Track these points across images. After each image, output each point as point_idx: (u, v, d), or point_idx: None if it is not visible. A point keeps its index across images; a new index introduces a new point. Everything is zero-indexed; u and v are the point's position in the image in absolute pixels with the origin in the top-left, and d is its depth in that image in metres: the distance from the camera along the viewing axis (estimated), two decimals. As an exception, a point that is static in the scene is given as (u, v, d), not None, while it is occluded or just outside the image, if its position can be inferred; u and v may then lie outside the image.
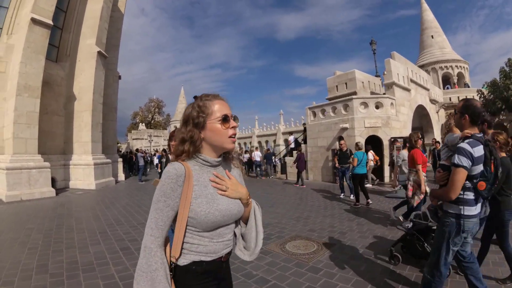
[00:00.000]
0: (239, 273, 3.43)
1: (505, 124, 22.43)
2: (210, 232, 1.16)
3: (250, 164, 17.74)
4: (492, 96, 20.47)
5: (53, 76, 12.81)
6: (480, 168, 2.07)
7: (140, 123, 56.69)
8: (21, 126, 10.18)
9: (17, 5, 11.56)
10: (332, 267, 3.59)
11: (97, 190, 11.84)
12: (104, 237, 5.03)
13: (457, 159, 2.04)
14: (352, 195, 8.42)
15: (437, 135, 19.13)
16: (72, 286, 3.17)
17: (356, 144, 8.32)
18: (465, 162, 2.01)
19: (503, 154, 3.09)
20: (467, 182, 2.08)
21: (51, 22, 11.01)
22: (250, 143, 27.59)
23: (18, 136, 10.08)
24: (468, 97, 23.03)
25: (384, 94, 13.32)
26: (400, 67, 14.22)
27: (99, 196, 10.22)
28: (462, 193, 2.10)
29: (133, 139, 48.32)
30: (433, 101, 19.14)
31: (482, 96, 21.77)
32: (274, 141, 25.81)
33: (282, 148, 22.08)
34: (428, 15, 30.73)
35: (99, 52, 13.79)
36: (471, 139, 2.08)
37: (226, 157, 1.31)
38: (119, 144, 51.02)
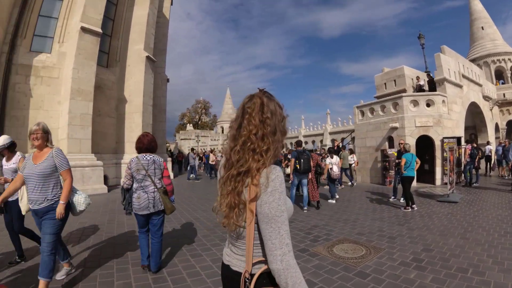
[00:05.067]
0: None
1: None
2: None
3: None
4: None
5: (104, 81, 13.55)
6: None
7: (188, 124, 58.08)
8: (75, 127, 10.89)
9: (66, 15, 12.28)
10: (381, 273, 3.45)
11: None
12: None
13: None
14: (402, 199, 8.03)
15: (491, 134, 17.66)
16: (121, 278, 3.33)
17: (404, 146, 7.89)
18: None
19: None
20: None
21: (100, 30, 11.70)
22: (321, 141, 27.07)
23: (72, 137, 10.79)
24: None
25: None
26: (451, 62, 13.31)
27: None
28: None
29: (181, 139, 49.59)
30: (486, 98, 17.68)
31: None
32: (321, 141, 25.36)
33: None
34: (477, 4, 28.44)
35: (147, 57, 14.45)
36: None
37: None
38: (168, 144, 52.98)
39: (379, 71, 16.12)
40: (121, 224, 5.97)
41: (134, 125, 13.88)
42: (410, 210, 6.90)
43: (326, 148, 15.43)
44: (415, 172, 7.35)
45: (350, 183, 11.86)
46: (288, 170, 8.36)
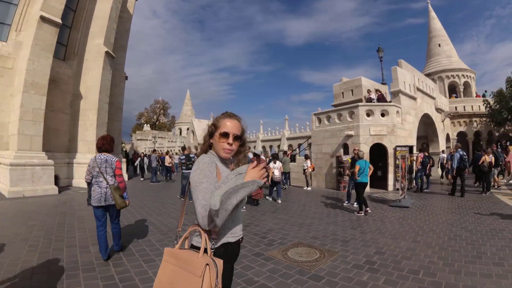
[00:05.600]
0: (240, 279, 3.40)
1: (510, 134, 22.27)
2: (232, 212, 1.37)
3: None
4: (498, 106, 20.32)
5: (60, 74, 12.88)
6: None
7: (145, 124, 57.07)
8: (27, 123, 10.24)
9: (26, 2, 11.64)
10: (335, 275, 3.55)
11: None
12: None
13: None
14: (355, 203, 8.36)
15: (442, 144, 18.96)
16: (72, 286, 3.14)
17: (357, 153, 8.21)
18: None
19: None
20: None
21: (59, 21, 11.10)
22: (255, 147, 27.56)
23: (23, 133, 10.14)
24: (473, 106, 23.05)
25: (390, 102, 13.24)
26: (407, 75, 14.16)
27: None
28: None
29: (137, 139, 48.73)
30: (439, 110, 19.00)
31: (488, 106, 21.64)
32: (278, 146, 25.75)
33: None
34: (436, 23, 30.56)
35: (106, 52, 13.91)
36: None
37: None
38: (123, 144, 51.44)
39: (339, 80, 16.77)
40: (71, 226, 5.72)
41: (89, 123, 13.29)
42: (363, 214, 7.18)
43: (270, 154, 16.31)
44: (368, 178, 7.67)
45: (284, 187, 12.62)
46: None
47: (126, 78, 18.30)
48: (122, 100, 17.89)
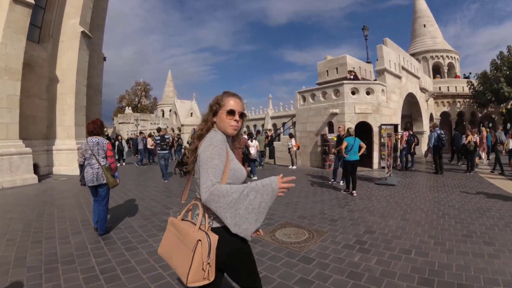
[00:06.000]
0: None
1: (493, 116, 22.81)
2: None
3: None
4: (482, 87, 20.64)
5: (34, 58, 12.23)
6: None
7: (127, 107, 55.87)
8: (2, 110, 9.68)
9: (-4, -18, 10.80)
10: (325, 257, 3.45)
11: (83, 175, 11.47)
12: (86, 226, 4.76)
13: None
14: (341, 182, 8.35)
15: (426, 124, 19.26)
16: (51, 280, 2.95)
17: (347, 129, 7.85)
18: None
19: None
20: None
21: (32, 1, 10.36)
22: (263, 125, 27.17)
23: (-1, 121, 9.61)
24: (457, 87, 23.38)
25: (375, 80, 13.19)
26: (392, 54, 14.08)
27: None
28: None
29: (119, 123, 47.76)
30: (423, 90, 19.17)
31: (472, 87, 21.96)
32: (263, 125, 25.61)
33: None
34: (422, 4, 30.44)
35: (83, 32, 13.17)
36: None
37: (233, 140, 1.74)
38: (105, 128, 50.10)
39: (323, 59, 16.51)
40: (51, 216, 5.44)
41: (67, 108, 12.68)
42: (349, 193, 7.04)
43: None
44: (359, 157, 7.18)
45: (260, 166, 13.17)
46: None
47: (105, 59, 17.46)
48: (101, 82, 17.13)
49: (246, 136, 10.54)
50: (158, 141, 9.62)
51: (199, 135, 1.59)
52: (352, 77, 13.23)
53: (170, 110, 35.06)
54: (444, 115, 23.85)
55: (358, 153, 7.14)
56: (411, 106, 18.14)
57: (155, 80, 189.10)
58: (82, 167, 4.26)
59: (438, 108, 23.68)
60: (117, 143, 15.43)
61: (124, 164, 15.60)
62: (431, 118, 21.79)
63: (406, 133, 11.85)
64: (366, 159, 12.18)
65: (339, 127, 8.74)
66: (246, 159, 9.41)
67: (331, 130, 12.16)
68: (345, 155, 7.11)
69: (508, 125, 23.52)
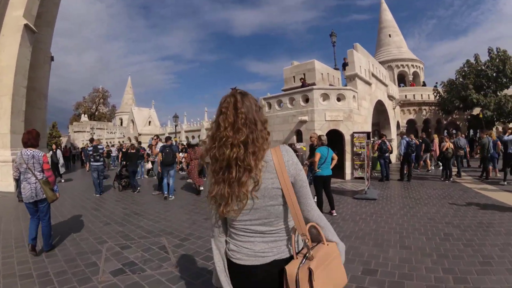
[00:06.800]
0: None
1: (458, 122, 23.48)
2: None
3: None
4: (449, 95, 21.07)
5: None
6: None
7: (82, 115, 52.83)
8: None
9: None
10: None
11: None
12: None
13: None
14: (314, 199, 7.35)
15: (394, 131, 19.15)
16: None
17: (319, 137, 6.52)
18: None
19: None
20: None
21: None
22: (199, 136, 26.06)
23: None
24: (423, 95, 23.82)
25: (345, 86, 12.55)
26: (362, 60, 13.61)
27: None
28: None
29: (75, 131, 45.33)
30: (390, 97, 19.10)
31: (438, 95, 22.42)
32: (199, 136, 24.54)
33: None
34: (387, 15, 31.28)
35: (26, 26, 11.38)
36: None
37: None
38: (60, 138, 46.82)
39: (290, 65, 15.67)
40: None
41: (2, 112, 10.74)
42: (328, 213, 5.90)
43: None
44: (331, 170, 6.13)
45: None
46: None
47: (52, 59, 15.38)
48: (46, 85, 14.99)
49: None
50: (91, 152, 8.96)
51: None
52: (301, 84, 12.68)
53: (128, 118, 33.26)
54: (410, 122, 24.18)
55: (330, 166, 6.10)
56: (379, 113, 17.89)
57: (116, 88, 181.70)
58: (18, 181, 4.03)
59: (404, 115, 23.96)
60: (50, 153, 12.15)
61: (62, 181, 12.45)
62: (398, 125, 21.87)
63: (378, 141, 11.27)
64: (337, 170, 11.41)
65: (311, 136, 7.67)
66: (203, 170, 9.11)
67: (299, 139, 11.19)
68: (317, 170, 5.99)
69: (471, 132, 24.55)
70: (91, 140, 10.22)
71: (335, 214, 5.89)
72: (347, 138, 11.03)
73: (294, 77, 14.16)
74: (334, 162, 6.23)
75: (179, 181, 11.07)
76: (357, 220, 5.47)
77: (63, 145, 30.93)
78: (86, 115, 52.43)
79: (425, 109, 24.21)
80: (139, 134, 24.71)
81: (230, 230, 1.21)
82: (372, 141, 11.14)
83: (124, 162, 10.21)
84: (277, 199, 1.12)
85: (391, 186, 9.43)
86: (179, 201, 7.85)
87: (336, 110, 10.99)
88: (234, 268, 1.16)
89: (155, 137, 10.50)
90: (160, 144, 14.97)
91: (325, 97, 11.12)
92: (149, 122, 25.91)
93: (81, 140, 38.95)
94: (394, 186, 9.52)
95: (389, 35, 30.00)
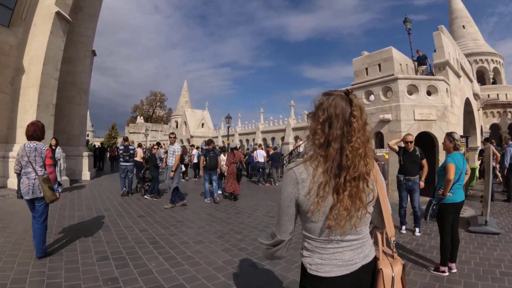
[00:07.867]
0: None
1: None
2: None
3: (249, 167, 14.44)
4: None
5: (1, 44, 10.10)
6: None
7: (139, 117, 55.50)
8: None
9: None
10: None
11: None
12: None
13: None
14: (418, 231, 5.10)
15: (479, 137, 15.60)
16: None
17: (452, 136, 3.74)
18: None
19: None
20: None
21: None
22: (253, 140, 24.30)
23: None
24: (508, 94, 19.55)
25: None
26: (450, 46, 10.74)
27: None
28: None
29: (130, 132, 47.71)
30: (476, 96, 15.60)
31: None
32: (282, 138, 22.39)
33: (291, 147, 18.69)
34: (457, 3, 27.09)
35: (58, 13, 10.58)
36: None
37: None
38: (116, 138, 49.76)
39: (342, 76, 14.34)
40: None
41: (29, 104, 9.98)
42: (445, 272, 3.45)
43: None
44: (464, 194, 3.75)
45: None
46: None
47: (94, 53, 14.89)
48: (88, 80, 14.47)
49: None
50: (121, 151, 8.66)
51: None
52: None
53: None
54: (494, 127, 20.06)
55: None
56: (464, 115, 14.54)
57: (175, 94, 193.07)
58: (19, 176, 3.66)
59: (487, 119, 19.94)
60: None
61: (60, 190, 10.04)
62: (481, 131, 18.08)
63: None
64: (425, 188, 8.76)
65: (406, 139, 5.39)
66: (238, 175, 8.26)
67: (380, 144, 8.70)
68: (447, 194, 3.55)
69: None
70: (125, 139, 9.50)
71: (454, 270, 3.48)
72: (441, 144, 8.32)
73: (366, 69, 11.48)
74: (425, 172, 5.33)
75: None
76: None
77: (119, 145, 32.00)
78: (142, 117, 54.90)
79: (510, 112, 19.97)
80: (191, 136, 24.08)
81: (310, 243, 1.11)
82: (493, 147, 8.23)
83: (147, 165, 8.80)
84: (372, 208, 1.11)
85: (502, 209, 6.82)
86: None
87: (428, 107, 8.34)
88: (317, 283, 1.06)
89: (156, 146, 9.29)
90: (194, 151, 13.72)
91: (413, 89, 8.54)
92: (202, 124, 25.14)
93: (136, 141, 40.55)
94: (501, 207, 6.99)
95: (463, 26, 25.80)
